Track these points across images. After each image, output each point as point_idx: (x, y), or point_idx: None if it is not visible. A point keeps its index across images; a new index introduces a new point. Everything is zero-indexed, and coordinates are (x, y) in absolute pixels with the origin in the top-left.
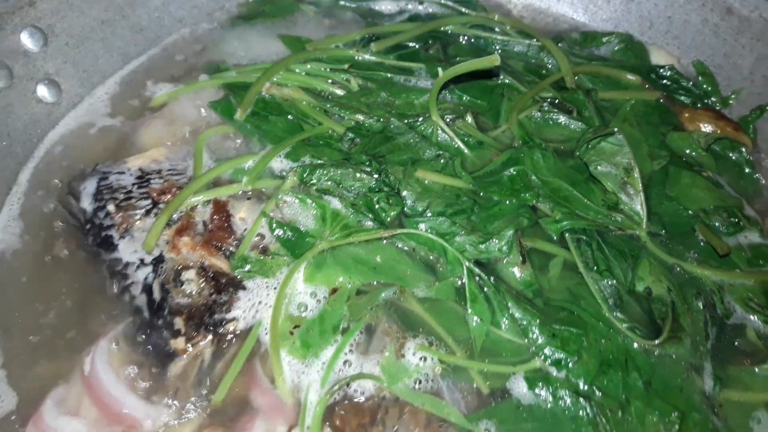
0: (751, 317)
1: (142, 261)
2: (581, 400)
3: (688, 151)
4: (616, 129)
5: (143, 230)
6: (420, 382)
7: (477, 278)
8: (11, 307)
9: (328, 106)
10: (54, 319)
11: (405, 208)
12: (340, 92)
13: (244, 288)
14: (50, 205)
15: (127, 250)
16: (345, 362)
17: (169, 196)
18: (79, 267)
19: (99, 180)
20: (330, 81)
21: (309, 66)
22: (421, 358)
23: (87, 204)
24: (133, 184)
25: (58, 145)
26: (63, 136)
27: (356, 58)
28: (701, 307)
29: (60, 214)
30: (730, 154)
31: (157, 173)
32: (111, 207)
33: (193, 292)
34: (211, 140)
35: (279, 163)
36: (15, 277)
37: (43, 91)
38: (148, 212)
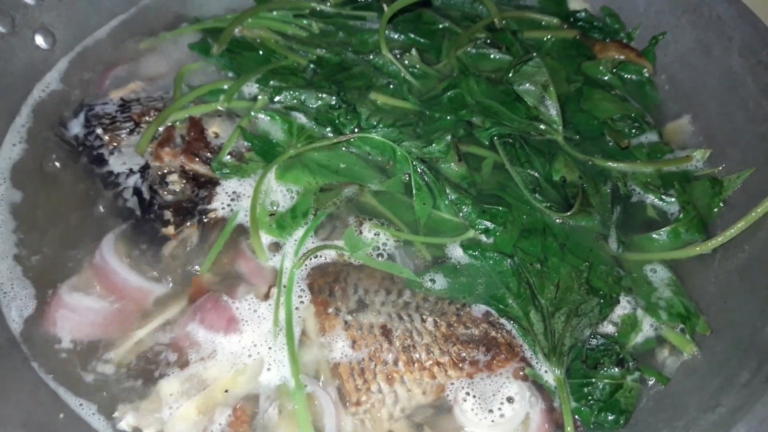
0: (650, 196)
1: (130, 170)
2: (506, 258)
3: (599, 76)
4: (534, 54)
5: (129, 146)
6: (377, 250)
7: (421, 172)
8: (23, 218)
9: (293, 44)
10: (61, 226)
11: (360, 123)
12: (303, 34)
13: (220, 185)
14: (47, 134)
15: (117, 163)
16: (313, 243)
17: (147, 118)
18: (75, 183)
19: (86, 111)
20: (294, 25)
21: (275, 14)
22: (375, 234)
23: (78, 131)
24: (117, 111)
25: (53, 83)
26: (57, 76)
27: (317, 8)
28: (608, 190)
29: (55, 141)
30: (634, 77)
31: (136, 101)
32: (99, 130)
33: (177, 190)
34: (187, 78)
35: (249, 89)
36: (22, 193)
37: (40, 39)
38: (131, 131)
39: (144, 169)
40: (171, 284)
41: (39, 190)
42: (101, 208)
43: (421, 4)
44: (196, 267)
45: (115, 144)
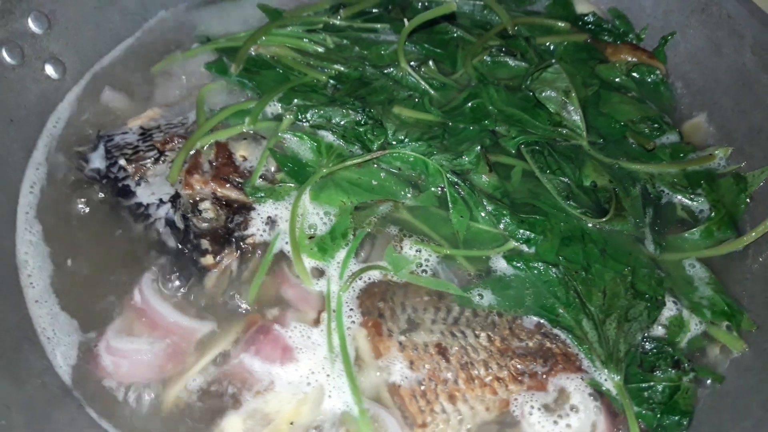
0: (678, 196)
1: (160, 200)
2: (551, 267)
3: (613, 78)
4: (554, 60)
5: (156, 175)
6: (419, 267)
7: (455, 185)
8: (58, 259)
9: (311, 60)
10: (96, 265)
11: (387, 138)
12: (319, 49)
13: (254, 209)
14: (66, 167)
15: (145, 194)
16: (355, 264)
17: (171, 144)
18: (104, 218)
19: (105, 142)
20: (308, 41)
21: (289, 29)
22: (416, 251)
23: (99, 163)
24: (138, 140)
25: (67, 114)
26: (70, 106)
27: (330, 22)
28: (638, 192)
29: (77, 175)
30: (648, 78)
31: (156, 128)
32: (122, 161)
33: (212, 218)
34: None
35: (271, 108)
36: (53, 233)
37: (50, 69)
38: (156, 160)
39: (175, 199)
40: (218, 318)
41: (69, 230)
42: (134, 242)
43: (443, 17)
44: (241, 297)
45: (141, 174)
